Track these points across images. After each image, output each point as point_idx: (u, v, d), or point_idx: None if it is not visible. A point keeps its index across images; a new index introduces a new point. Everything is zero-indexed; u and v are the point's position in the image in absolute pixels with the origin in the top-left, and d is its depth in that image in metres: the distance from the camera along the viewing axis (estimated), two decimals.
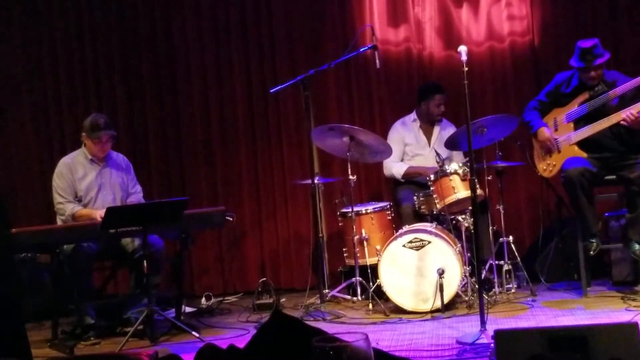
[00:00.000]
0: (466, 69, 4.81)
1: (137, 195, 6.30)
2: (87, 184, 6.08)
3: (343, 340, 1.24)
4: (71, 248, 5.71)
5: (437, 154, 6.22)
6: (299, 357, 1.25)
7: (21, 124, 7.73)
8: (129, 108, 7.67)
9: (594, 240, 5.90)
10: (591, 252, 5.91)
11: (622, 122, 5.76)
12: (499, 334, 4.05)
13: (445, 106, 6.83)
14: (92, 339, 5.70)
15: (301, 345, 1.26)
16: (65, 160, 6.15)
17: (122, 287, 7.08)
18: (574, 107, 6.00)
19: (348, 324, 5.69)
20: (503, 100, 7.21)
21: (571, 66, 5.97)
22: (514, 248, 6.22)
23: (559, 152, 6.06)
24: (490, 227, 6.22)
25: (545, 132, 6.07)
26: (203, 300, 6.93)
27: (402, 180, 6.81)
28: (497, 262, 6.16)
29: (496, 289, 6.10)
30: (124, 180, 6.26)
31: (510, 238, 6.22)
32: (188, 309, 6.58)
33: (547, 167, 6.16)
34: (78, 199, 6.06)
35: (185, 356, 2.58)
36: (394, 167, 6.80)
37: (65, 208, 5.97)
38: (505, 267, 6.20)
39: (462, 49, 4.90)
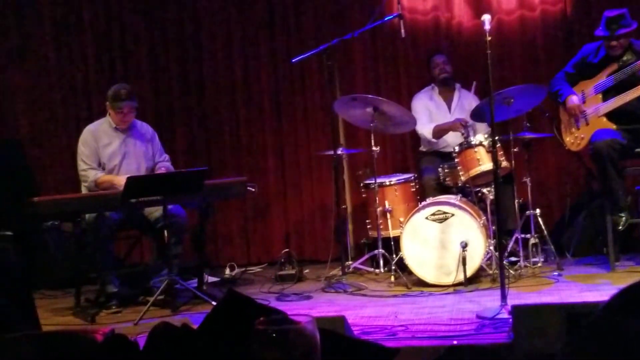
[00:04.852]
0: (489, 38, 4.70)
1: (166, 163, 6.28)
2: (110, 152, 6.08)
3: (289, 322, 1.19)
4: (93, 217, 5.72)
5: (462, 125, 6.12)
6: (251, 337, 1.21)
7: (49, 94, 7.75)
8: (154, 77, 7.65)
9: (622, 215, 5.80)
10: (620, 227, 5.81)
11: None
12: (516, 309, 3.99)
13: (449, 65, 6.82)
14: (113, 307, 5.74)
15: (253, 324, 1.22)
16: (89, 128, 6.16)
17: (148, 256, 7.11)
18: (602, 79, 5.88)
19: (369, 296, 5.66)
20: (533, 71, 7.07)
21: (596, 36, 5.84)
22: (540, 221, 6.11)
23: (587, 124, 5.94)
24: (516, 200, 6.11)
25: (574, 100, 5.94)
26: (227, 270, 6.95)
27: (433, 141, 6.71)
28: (523, 235, 6.06)
29: (521, 263, 6.00)
30: (148, 150, 6.24)
31: (537, 211, 6.12)
32: (211, 279, 6.60)
33: (574, 140, 6.04)
34: (102, 167, 6.07)
35: None
36: (425, 129, 6.70)
37: (89, 174, 5.97)
38: (532, 241, 6.10)
39: (486, 17, 4.77)
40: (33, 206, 5.50)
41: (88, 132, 6.12)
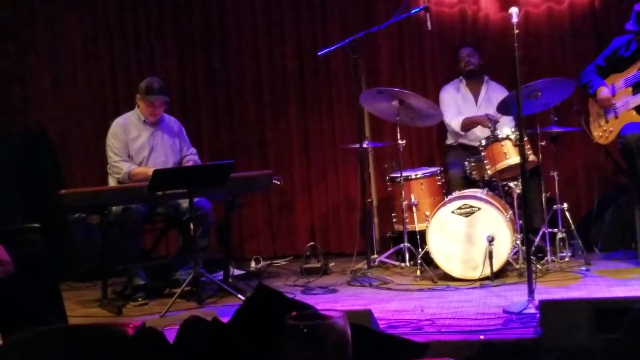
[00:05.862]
0: (517, 31, 4.67)
1: (194, 157, 6.31)
2: (139, 144, 6.09)
3: (320, 317, 1.18)
4: (120, 209, 5.74)
5: (490, 119, 6.09)
6: (281, 332, 1.20)
7: (75, 86, 7.79)
8: (180, 71, 7.66)
9: None
10: None
11: None
12: (544, 304, 3.97)
13: (476, 57, 6.79)
14: (140, 299, 5.76)
15: (283, 319, 1.21)
16: (118, 121, 6.17)
17: (173, 249, 7.13)
18: (632, 72, 5.81)
19: (395, 290, 5.64)
20: (561, 64, 7.00)
21: (626, 30, 5.77)
22: (568, 216, 6.06)
23: (616, 117, 5.87)
24: (543, 194, 6.06)
25: (605, 91, 5.88)
26: (252, 263, 6.95)
27: (461, 134, 6.69)
28: (550, 230, 6.01)
29: (548, 258, 5.95)
30: (176, 144, 6.26)
31: (565, 205, 6.06)
32: (237, 272, 6.60)
33: (603, 133, 5.98)
34: (130, 160, 6.09)
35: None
36: (453, 121, 6.69)
37: (122, 167, 5.98)
38: (559, 235, 6.05)
39: (513, 10, 4.73)
40: (60, 198, 5.54)
41: (117, 125, 6.13)
